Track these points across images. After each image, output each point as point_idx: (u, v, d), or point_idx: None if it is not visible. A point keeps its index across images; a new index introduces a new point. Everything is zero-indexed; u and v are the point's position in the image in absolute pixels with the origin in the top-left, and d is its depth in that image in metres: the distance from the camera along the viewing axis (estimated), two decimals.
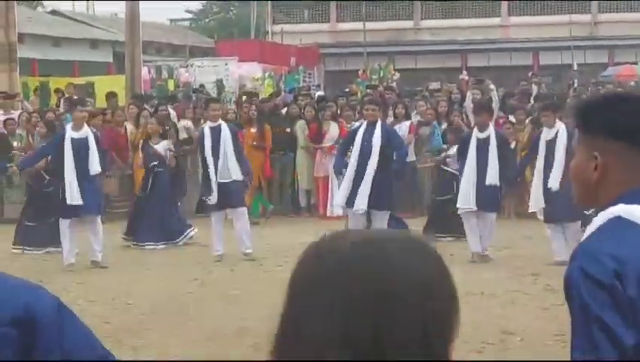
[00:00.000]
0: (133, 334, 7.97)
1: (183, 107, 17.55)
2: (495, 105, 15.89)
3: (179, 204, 14.06)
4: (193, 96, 20.75)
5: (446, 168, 13.30)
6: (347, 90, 21.65)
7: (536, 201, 11.19)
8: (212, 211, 11.89)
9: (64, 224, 11.36)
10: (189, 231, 13.21)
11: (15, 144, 15.05)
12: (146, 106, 16.70)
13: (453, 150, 13.25)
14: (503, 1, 42.26)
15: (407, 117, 15.54)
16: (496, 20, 42.42)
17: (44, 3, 50.38)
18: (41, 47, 29.89)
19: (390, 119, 15.11)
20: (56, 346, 2.13)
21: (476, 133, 11.43)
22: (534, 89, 20.21)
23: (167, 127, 16.02)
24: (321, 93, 23.14)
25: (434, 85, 23.56)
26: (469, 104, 16.17)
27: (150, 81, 23.78)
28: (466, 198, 11.32)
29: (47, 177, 12.45)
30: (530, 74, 25.98)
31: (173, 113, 17.04)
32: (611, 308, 2.09)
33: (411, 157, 14.53)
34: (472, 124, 14.92)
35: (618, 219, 2.22)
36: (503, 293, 9.42)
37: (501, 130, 12.87)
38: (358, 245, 1.52)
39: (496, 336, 7.64)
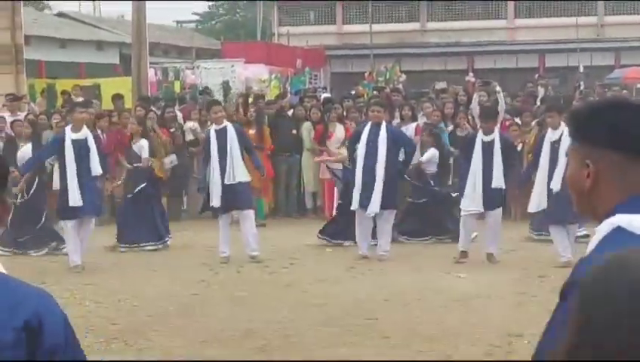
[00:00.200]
0: (139, 335, 7.98)
1: (189, 109, 17.58)
2: (501, 107, 15.86)
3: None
4: (199, 97, 20.77)
5: (425, 171, 13.26)
6: (353, 92, 21.61)
7: (538, 202, 11.19)
8: (219, 213, 11.89)
9: (67, 225, 11.37)
10: (167, 238, 13.18)
11: (22, 145, 15.05)
12: (152, 108, 16.72)
13: (430, 153, 13.20)
14: (509, 2, 42.22)
15: (414, 118, 15.53)
16: (502, 22, 42.39)
17: (51, 5, 50.50)
18: (48, 48, 29.95)
19: (397, 121, 15.14)
20: (61, 354, 2.15)
21: (481, 137, 11.48)
22: (541, 91, 20.19)
23: (172, 129, 16.09)
24: (327, 94, 23.10)
25: (440, 85, 23.54)
26: (475, 106, 16.14)
27: (157, 83, 23.81)
28: (471, 200, 11.33)
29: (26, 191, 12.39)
30: (536, 76, 25.95)
31: (179, 115, 17.07)
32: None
33: (417, 158, 14.53)
34: (478, 126, 14.94)
35: (619, 230, 2.21)
36: (510, 295, 9.41)
37: (506, 134, 12.87)
38: None
39: (503, 339, 7.62)
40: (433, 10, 43.24)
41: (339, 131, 15.37)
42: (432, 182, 13.34)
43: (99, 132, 15.59)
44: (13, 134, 15.54)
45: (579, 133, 2.34)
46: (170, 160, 15.68)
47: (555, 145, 11.07)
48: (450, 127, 15.36)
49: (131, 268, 11.32)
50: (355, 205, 11.73)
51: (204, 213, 13.20)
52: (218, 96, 22.39)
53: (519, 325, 8.02)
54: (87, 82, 23.19)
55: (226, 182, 11.64)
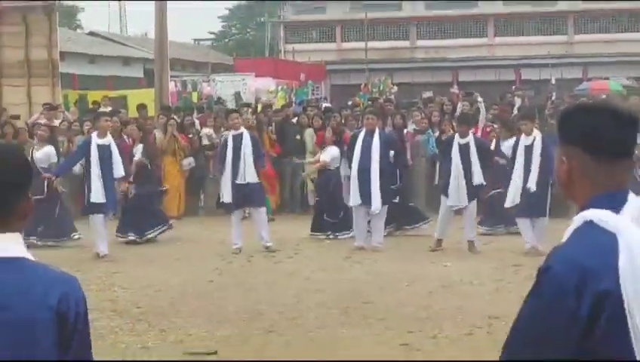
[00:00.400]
0: (161, 317, 7.98)
1: (206, 117, 17.59)
2: (482, 115, 15.87)
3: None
4: (214, 107, 20.77)
5: (329, 169, 13.06)
6: (351, 102, 21.58)
7: (513, 199, 11.23)
8: (231, 210, 11.90)
9: (94, 219, 11.37)
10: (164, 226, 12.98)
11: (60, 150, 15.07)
12: (174, 116, 16.74)
13: (331, 152, 13.07)
14: (489, 22, 42.23)
15: (404, 126, 15.55)
16: (483, 40, 42.39)
17: (83, 25, 50.50)
18: (80, 64, 29.94)
19: (389, 128, 15.14)
20: (78, 334, 2.18)
21: (458, 140, 11.51)
22: (518, 101, 20.17)
23: (190, 135, 16.09)
24: (327, 104, 23.09)
25: (427, 94, 23.52)
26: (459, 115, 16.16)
27: (176, 94, 23.76)
28: (454, 197, 11.37)
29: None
30: (513, 88, 25.91)
31: (197, 122, 17.08)
32: (557, 316, 2.15)
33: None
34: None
35: (590, 223, 2.21)
36: (489, 282, 9.41)
37: (480, 137, 12.85)
38: None
39: (484, 320, 7.62)
40: (422, 29, 43.26)
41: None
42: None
43: (125, 137, 15.63)
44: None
45: (559, 131, 2.35)
46: (189, 162, 15.74)
47: (529, 149, 11.11)
48: (437, 133, 15.36)
49: (154, 258, 11.31)
50: (353, 202, 11.74)
51: (219, 209, 13.18)
52: (231, 105, 22.37)
53: (497, 308, 8.01)
54: (115, 93, 23.18)
55: (237, 181, 11.63)
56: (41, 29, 18.72)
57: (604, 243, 2.17)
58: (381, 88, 27.93)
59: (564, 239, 2.27)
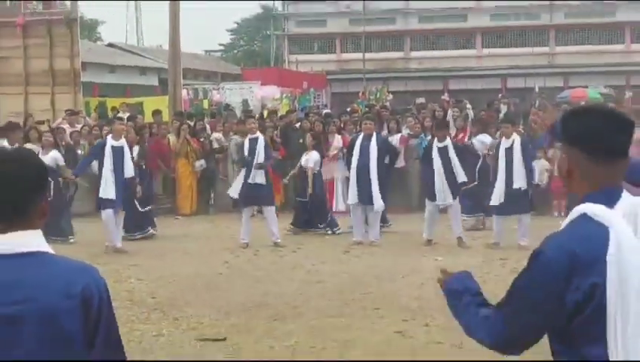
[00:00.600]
0: (174, 306, 7.98)
1: (215, 122, 17.58)
2: (470, 121, 15.86)
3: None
4: (224, 113, 20.76)
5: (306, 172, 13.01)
6: (349, 108, 21.55)
7: (498, 197, 11.23)
8: (242, 206, 11.89)
9: (106, 214, 11.36)
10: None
11: (79, 152, 15.07)
12: (187, 121, 16.74)
13: (313, 157, 13.01)
14: (477, 35, 42.23)
15: (399, 130, 15.52)
16: (471, 52, 42.41)
17: (103, 37, 50.51)
18: (100, 73, 29.95)
19: (385, 132, 15.12)
20: (104, 318, 2.18)
21: (436, 144, 11.50)
22: (503, 108, 20.16)
23: (202, 139, 16.08)
24: (327, 111, 23.07)
25: (420, 101, 23.49)
26: (449, 120, 16.14)
27: (189, 101, 23.77)
28: (441, 196, 11.40)
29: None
30: (500, 95, 25.88)
31: (208, 127, 17.07)
32: (544, 296, 2.21)
33: (401, 163, 14.55)
34: (452, 136, 14.96)
35: (584, 216, 2.23)
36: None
37: (455, 140, 12.74)
38: None
39: None
40: (415, 42, 43.28)
41: (337, 140, 15.36)
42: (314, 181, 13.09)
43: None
44: (72, 143, 15.56)
45: (561, 130, 2.37)
46: (200, 163, 15.74)
47: (509, 151, 11.15)
48: (429, 138, 15.31)
49: (167, 252, 11.31)
50: (351, 200, 11.73)
51: (235, 207, 13.16)
52: (239, 112, 22.37)
53: None
54: (132, 100, 23.15)
55: (249, 181, 11.62)
56: (64, 41, 18.73)
57: (595, 234, 2.19)
58: (378, 96, 27.94)
59: (561, 228, 2.30)
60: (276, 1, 46.92)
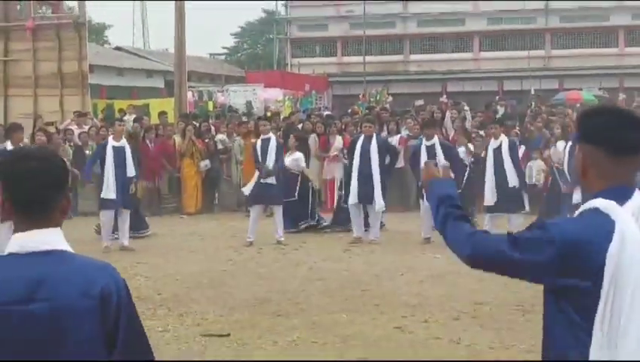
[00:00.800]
0: (180, 303, 7.98)
1: (220, 123, 17.58)
2: (468, 122, 15.86)
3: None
4: (227, 114, 20.77)
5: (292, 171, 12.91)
6: (350, 110, 21.57)
7: (491, 197, 11.25)
8: (251, 205, 11.86)
9: (105, 214, 11.36)
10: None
11: (87, 153, 15.08)
12: (194, 122, 16.75)
13: (295, 155, 13.00)
14: (474, 39, 42.23)
15: (398, 131, 15.53)
16: (469, 55, 42.41)
17: (110, 41, 50.53)
18: (107, 75, 29.99)
19: (384, 133, 15.13)
20: (123, 317, 2.15)
21: (425, 143, 11.51)
22: (500, 110, 20.16)
23: (207, 139, 16.08)
24: (328, 112, 23.09)
25: (419, 102, 23.50)
26: (447, 122, 16.15)
27: (194, 103, 23.80)
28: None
29: None
30: (497, 98, 25.88)
31: (212, 128, 17.08)
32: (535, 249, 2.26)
33: (400, 163, 14.55)
34: (450, 138, 14.98)
35: (595, 210, 2.26)
36: (474, 272, 9.31)
37: (444, 140, 12.70)
38: None
39: (469, 306, 7.62)
40: (414, 45, 43.28)
41: (338, 141, 15.37)
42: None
43: (147, 141, 15.64)
44: (80, 143, 15.59)
45: (577, 129, 2.41)
46: (205, 164, 15.74)
47: (497, 152, 11.17)
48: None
49: (173, 251, 11.31)
50: (351, 200, 11.73)
51: (232, 205, 13.10)
52: (242, 113, 22.39)
53: (482, 296, 8.02)
54: (139, 102, 23.21)
55: (261, 181, 11.60)
56: (73, 44, 18.76)
57: (602, 225, 2.23)
58: (378, 98, 27.95)
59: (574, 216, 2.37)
60: (279, 5, 46.97)
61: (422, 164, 11.34)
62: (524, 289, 8.19)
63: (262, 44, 55.85)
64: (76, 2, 20.29)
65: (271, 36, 48.07)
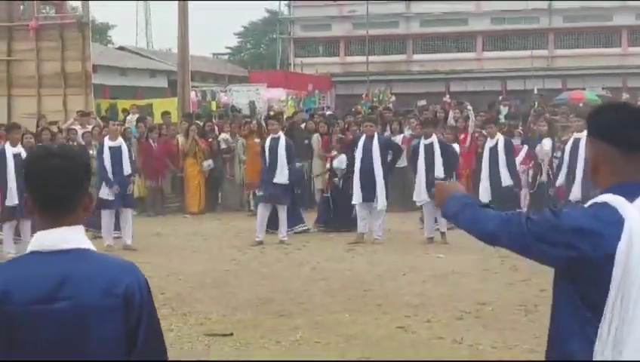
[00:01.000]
0: (183, 303, 7.99)
1: (223, 123, 17.59)
2: (471, 121, 15.84)
3: None
4: (230, 114, 20.78)
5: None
6: (353, 110, 21.56)
7: (483, 194, 11.25)
8: (260, 203, 11.83)
9: (105, 214, 11.37)
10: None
11: (91, 152, 15.09)
12: (197, 121, 16.76)
13: (340, 158, 12.91)
14: (477, 38, 42.19)
15: (401, 131, 15.53)
16: (472, 54, 42.38)
17: (114, 40, 50.57)
18: (111, 75, 30.02)
19: (387, 133, 15.13)
20: (145, 317, 2.16)
21: (423, 141, 11.53)
22: (504, 110, 20.16)
23: (210, 139, 16.09)
24: (330, 112, 23.10)
25: (422, 103, 23.48)
26: (450, 121, 16.14)
27: (197, 103, 23.81)
28: (419, 193, 11.46)
29: None
30: (500, 98, 25.87)
31: (216, 128, 17.09)
32: (550, 237, 2.30)
33: (403, 163, 14.53)
34: (452, 137, 14.98)
35: (605, 204, 2.29)
36: (477, 272, 9.39)
37: (443, 139, 12.67)
38: None
39: (472, 306, 7.61)
40: (417, 45, 43.26)
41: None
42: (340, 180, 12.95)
43: (151, 141, 15.66)
44: (83, 143, 15.59)
45: (588, 126, 2.42)
46: (208, 163, 15.75)
47: (493, 151, 11.18)
48: None
49: (177, 250, 11.32)
50: (355, 200, 11.72)
51: (235, 205, 13.04)
52: (246, 113, 22.40)
53: (485, 295, 8.01)
54: (142, 102, 23.22)
55: (275, 181, 11.58)
56: (76, 44, 18.78)
57: (609, 220, 2.25)
58: (381, 97, 27.91)
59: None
60: (282, 5, 47.00)
61: (419, 163, 11.42)
62: (526, 289, 8.20)
63: (265, 43, 55.90)
64: (80, 2, 20.32)
65: (274, 36, 48.08)
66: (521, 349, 6.19)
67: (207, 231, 13.19)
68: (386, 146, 11.92)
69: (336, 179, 12.92)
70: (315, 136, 16.11)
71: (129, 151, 11.86)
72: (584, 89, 31.30)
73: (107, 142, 11.62)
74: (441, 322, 7.11)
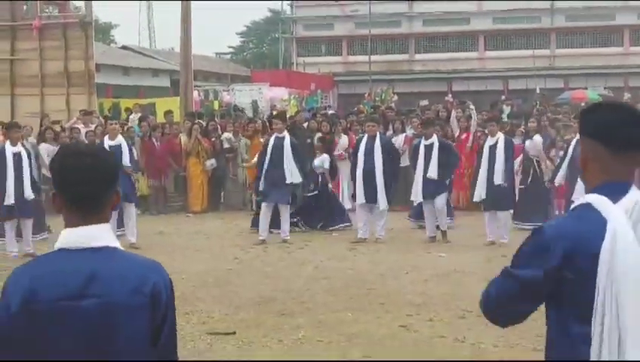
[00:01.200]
0: (185, 302, 7.97)
1: (226, 122, 17.60)
2: (473, 121, 15.83)
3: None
4: (233, 113, 20.78)
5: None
6: (355, 109, 21.56)
7: (480, 193, 11.24)
8: (263, 201, 11.78)
9: None
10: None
11: None
12: (200, 121, 16.76)
13: (321, 158, 12.99)
14: (480, 38, 42.16)
15: (403, 130, 15.53)
16: (474, 54, 42.34)
17: (117, 40, 50.61)
18: (114, 75, 30.03)
19: (390, 132, 15.13)
20: (170, 315, 2.18)
21: (423, 142, 11.54)
22: (506, 109, 20.17)
23: (213, 138, 16.09)
24: (332, 111, 23.10)
25: (424, 102, 23.49)
26: (453, 121, 16.13)
27: (200, 102, 23.82)
28: (416, 192, 11.47)
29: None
30: (503, 97, 25.86)
31: (219, 127, 17.09)
32: (534, 261, 2.31)
33: (405, 162, 14.52)
34: (455, 136, 14.98)
35: (587, 205, 2.28)
36: (479, 271, 9.37)
37: (443, 139, 12.65)
38: None
39: (474, 305, 7.54)
40: (419, 44, 43.24)
41: (343, 140, 15.37)
42: (321, 179, 12.94)
43: (154, 140, 15.67)
44: (86, 142, 15.58)
45: (580, 125, 2.43)
46: (211, 163, 15.75)
47: (493, 149, 11.17)
48: None
49: (179, 249, 11.32)
50: (358, 200, 11.70)
51: (237, 204, 13.02)
52: (249, 112, 22.39)
53: None
54: (145, 101, 23.26)
55: (287, 181, 11.52)
56: (79, 44, 18.79)
57: (593, 221, 2.25)
58: (383, 97, 27.92)
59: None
60: (285, 4, 47.01)
61: (419, 163, 11.41)
62: None
63: (267, 43, 55.92)
64: (82, 2, 20.32)
65: (276, 35, 48.09)
66: (522, 348, 6.18)
67: (209, 230, 13.19)
68: (387, 148, 11.84)
69: (317, 178, 12.88)
70: (318, 136, 16.09)
71: (130, 149, 11.86)
72: (586, 88, 31.31)
73: (107, 142, 11.63)
74: (443, 321, 7.10)
